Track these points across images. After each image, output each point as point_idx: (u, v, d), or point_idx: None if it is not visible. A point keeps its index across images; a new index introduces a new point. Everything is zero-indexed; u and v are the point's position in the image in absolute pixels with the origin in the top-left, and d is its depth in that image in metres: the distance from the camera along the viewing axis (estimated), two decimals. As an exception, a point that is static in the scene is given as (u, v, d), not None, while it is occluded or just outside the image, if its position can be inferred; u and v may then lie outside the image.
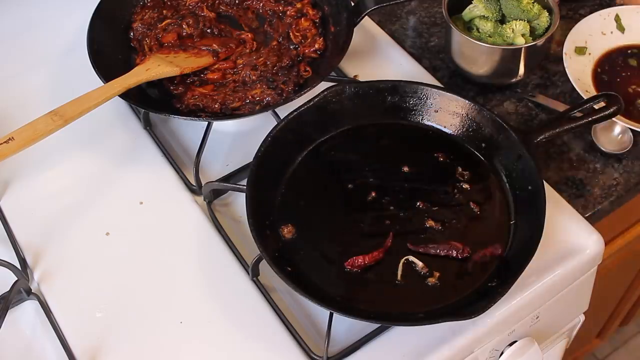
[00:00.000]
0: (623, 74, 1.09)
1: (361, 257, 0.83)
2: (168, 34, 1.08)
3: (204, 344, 0.83)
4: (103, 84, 0.96)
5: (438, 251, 0.84)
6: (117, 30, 1.09)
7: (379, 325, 0.82)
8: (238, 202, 0.96)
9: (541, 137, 0.91)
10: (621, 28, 1.12)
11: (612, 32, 1.12)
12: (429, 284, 0.83)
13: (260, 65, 1.03)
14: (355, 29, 1.04)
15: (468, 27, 1.08)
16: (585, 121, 0.92)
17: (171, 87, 1.02)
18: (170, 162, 0.99)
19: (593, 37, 1.11)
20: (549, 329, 0.96)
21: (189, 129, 1.04)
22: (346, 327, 0.83)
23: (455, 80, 1.11)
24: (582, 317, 1.04)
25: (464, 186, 0.91)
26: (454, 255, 0.84)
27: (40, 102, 0.99)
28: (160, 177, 0.98)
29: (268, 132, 0.91)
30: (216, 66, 1.04)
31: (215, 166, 0.99)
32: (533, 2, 1.04)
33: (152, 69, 1.00)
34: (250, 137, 0.98)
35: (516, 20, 1.04)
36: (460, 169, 0.93)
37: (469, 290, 0.82)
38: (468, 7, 1.07)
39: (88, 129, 1.01)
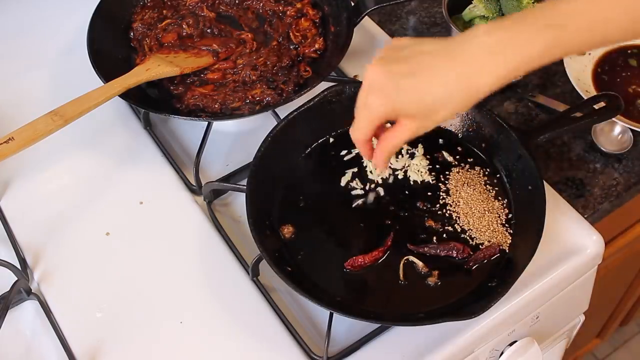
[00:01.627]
0: (623, 74, 1.09)
1: (361, 257, 0.83)
2: (168, 34, 1.08)
3: (204, 344, 0.83)
4: (103, 84, 0.96)
5: (438, 251, 0.84)
6: (117, 30, 1.09)
7: (379, 325, 0.82)
8: (238, 202, 0.96)
9: (541, 137, 0.91)
10: (621, 28, 1.12)
11: (612, 32, 1.12)
12: (429, 284, 0.83)
13: (260, 65, 1.03)
14: (355, 29, 1.04)
15: (468, 27, 1.08)
16: (585, 121, 0.92)
17: (171, 87, 1.02)
18: (170, 162, 0.99)
19: (593, 37, 1.11)
20: (549, 329, 0.96)
21: (189, 129, 1.04)
22: (346, 327, 0.83)
23: (455, 80, 1.10)
24: (582, 317, 1.04)
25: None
26: (454, 255, 0.84)
27: (40, 102, 0.99)
28: (160, 177, 0.98)
29: (268, 132, 0.91)
30: (216, 66, 1.04)
31: (215, 166, 0.99)
32: (533, 2, 1.04)
33: (152, 69, 1.00)
34: (250, 137, 0.98)
35: (516, 20, 1.04)
36: (460, 170, 0.93)
37: (469, 290, 0.82)
38: (468, 7, 1.07)
39: (88, 129, 1.01)
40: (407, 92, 0.69)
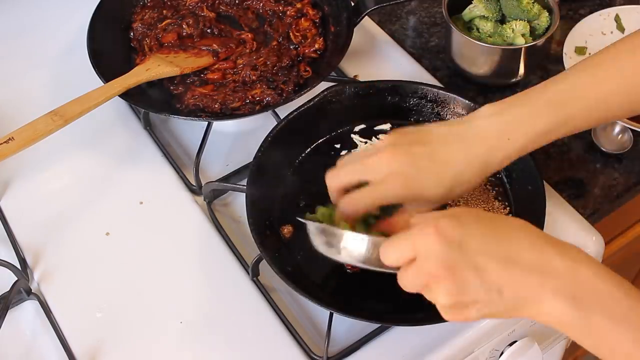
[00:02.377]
0: (623, 74, 1.08)
1: (361, 257, 0.83)
2: (168, 34, 1.08)
3: (204, 344, 0.83)
4: (103, 84, 0.97)
5: (438, 251, 0.84)
6: (117, 30, 1.09)
7: (379, 325, 0.82)
8: (238, 202, 0.96)
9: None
10: (621, 28, 1.12)
11: (612, 32, 1.12)
12: (429, 284, 0.82)
13: (260, 65, 1.03)
14: (355, 29, 1.04)
15: (468, 27, 1.08)
16: (585, 121, 0.92)
17: (171, 87, 1.02)
18: (170, 162, 0.99)
19: (593, 37, 1.11)
20: (549, 329, 0.96)
21: (189, 129, 1.04)
22: (346, 327, 0.83)
23: (455, 80, 1.11)
24: (582, 317, 1.03)
25: (464, 186, 0.91)
26: (454, 255, 0.84)
27: (40, 102, 0.99)
28: (160, 177, 0.98)
29: (268, 132, 0.91)
30: (216, 66, 1.04)
31: (215, 166, 0.99)
32: (533, 2, 1.04)
33: (152, 69, 1.00)
34: (250, 137, 0.98)
35: (516, 20, 1.04)
36: (460, 169, 0.93)
37: (469, 290, 0.82)
38: (468, 7, 1.07)
39: (88, 129, 1.01)
40: (427, 174, 0.71)
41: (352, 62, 1.10)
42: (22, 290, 0.86)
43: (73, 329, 0.84)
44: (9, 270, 0.86)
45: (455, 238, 0.58)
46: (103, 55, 1.02)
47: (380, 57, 1.12)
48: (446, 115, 0.96)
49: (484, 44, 1.02)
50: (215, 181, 0.95)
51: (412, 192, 0.71)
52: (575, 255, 0.59)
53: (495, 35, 1.05)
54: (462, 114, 0.94)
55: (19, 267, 0.87)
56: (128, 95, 0.97)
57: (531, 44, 1.02)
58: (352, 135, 0.96)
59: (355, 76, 1.09)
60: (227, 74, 1.03)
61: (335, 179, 0.75)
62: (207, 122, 0.98)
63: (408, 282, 0.62)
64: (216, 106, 0.99)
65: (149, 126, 1.03)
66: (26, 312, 0.87)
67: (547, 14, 1.04)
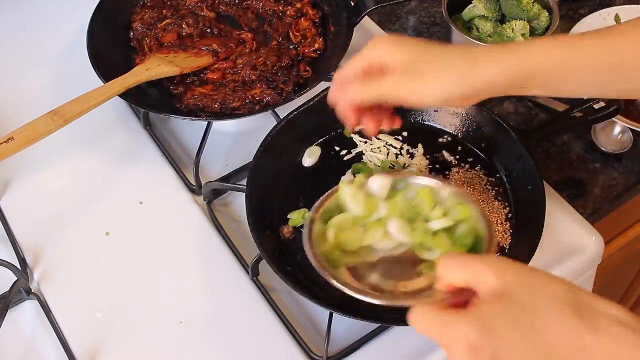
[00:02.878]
0: (623, 74, 1.08)
1: (361, 257, 0.83)
2: (168, 34, 1.08)
3: (204, 344, 0.83)
4: (103, 84, 0.97)
5: (438, 251, 0.84)
6: (117, 30, 1.09)
7: (379, 325, 0.82)
8: (238, 202, 0.96)
9: (541, 137, 0.91)
10: (621, 28, 1.12)
11: (612, 32, 1.12)
12: (429, 284, 0.82)
13: (260, 65, 1.03)
14: (355, 29, 1.04)
15: (468, 27, 1.08)
16: (585, 121, 0.92)
17: (171, 87, 1.02)
18: (170, 162, 0.99)
19: (593, 37, 1.11)
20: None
21: (189, 129, 1.04)
22: (346, 327, 0.83)
23: (455, 80, 1.10)
24: (582, 317, 1.03)
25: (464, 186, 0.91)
26: (454, 255, 0.84)
27: (40, 102, 0.99)
28: (160, 177, 0.98)
29: (268, 132, 0.91)
30: (216, 66, 1.04)
31: (215, 166, 0.99)
32: (533, 2, 1.04)
33: (152, 69, 1.00)
34: (250, 137, 0.98)
35: (516, 20, 1.04)
36: (460, 170, 0.93)
37: (469, 290, 0.82)
38: (468, 7, 1.07)
39: (88, 129, 1.01)
40: (410, 42, 0.70)
41: (352, 62, 1.10)
42: (22, 290, 0.86)
43: (73, 329, 0.84)
44: (9, 270, 0.86)
45: (488, 356, 0.54)
46: (103, 55, 1.02)
47: (380, 57, 1.12)
48: (446, 114, 0.96)
49: (484, 44, 1.02)
50: (215, 181, 0.95)
51: (387, 48, 0.71)
52: (619, 333, 0.53)
53: (495, 35, 1.05)
54: (462, 114, 0.95)
55: (19, 267, 0.87)
56: (128, 95, 0.97)
57: (531, 44, 1.01)
58: (352, 136, 0.96)
59: (355, 76, 1.09)
60: (227, 74, 1.03)
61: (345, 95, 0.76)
62: (207, 122, 0.98)
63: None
64: (216, 106, 0.99)
65: (149, 126, 1.03)
66: (26, 312, 0.87)
67: (547, 14, 1.05)
